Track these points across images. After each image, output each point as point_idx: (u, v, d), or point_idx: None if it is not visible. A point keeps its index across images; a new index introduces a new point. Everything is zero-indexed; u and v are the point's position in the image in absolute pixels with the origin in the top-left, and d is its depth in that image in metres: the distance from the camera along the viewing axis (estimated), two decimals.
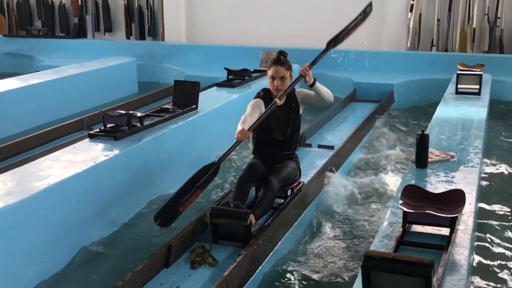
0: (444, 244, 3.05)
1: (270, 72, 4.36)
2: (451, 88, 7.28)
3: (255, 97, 4.46)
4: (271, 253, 3.92)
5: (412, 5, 10.28)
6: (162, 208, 3.91)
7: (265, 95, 4.43)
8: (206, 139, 5.93)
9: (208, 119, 6.02)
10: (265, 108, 4.33)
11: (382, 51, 10.43)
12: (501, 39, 9.93)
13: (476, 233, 4.15)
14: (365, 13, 5.02)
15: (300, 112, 4.50)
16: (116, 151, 4.64)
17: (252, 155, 4.55)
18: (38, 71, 9.45)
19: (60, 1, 12.89)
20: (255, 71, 7.90)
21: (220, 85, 7.37)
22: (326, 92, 4.50)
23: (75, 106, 8.04)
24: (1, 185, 3.88)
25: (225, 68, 7.67)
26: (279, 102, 4.29)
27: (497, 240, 4.29)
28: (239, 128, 4.13)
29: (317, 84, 4.43)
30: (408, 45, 10.38)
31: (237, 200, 4.03)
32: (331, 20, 11.16)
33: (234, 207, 3.94)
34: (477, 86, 6.95)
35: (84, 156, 4.49)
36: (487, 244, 4.21)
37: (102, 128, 5.08)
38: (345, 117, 7.84)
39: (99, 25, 12.69)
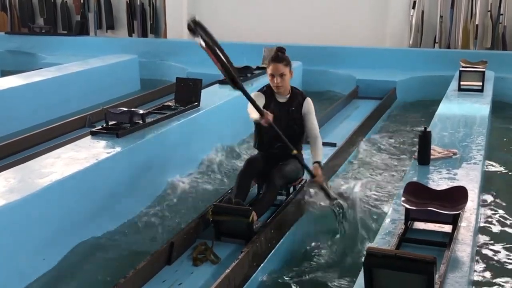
0: (447, 241, 3.04)
1: (269, 70, 4.35)
2: (453, 85, 7.26)
3: (258, 91, 4.46)
4: (273, 250, 3.92)
5: (414, 2, 10.26)
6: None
7: (267, 91, 4.43)
8: (208, 136, 5.92)
9: (210, 116, 6.01)
10: (266, 103, 4.33)
11: (385, 48, 10.41)
12: (504, 36, 9.90)
13: (479, 230, 4.14)
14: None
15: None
16: (118, 149, 4.64)
17: (257, 151, 4.55)
18: (41, 68, 9.46)
19: None
20: (258, 68, 7.89)
21: (222, 82, 7.35)
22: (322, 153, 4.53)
23: (77, 104, 8.05)
24: (4, 182, 3.88)
25: None
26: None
27: (499, 237, 4.28)
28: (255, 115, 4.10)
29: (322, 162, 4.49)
30: (411, 42, 10.36)
31: (238, 197, 4.03)
32: (334, 17, 11.21)
33: (235, 204, 3.94)
34: (480, 83, 6.93)
35: (86, 153, 4.49)
36: (489, 241, 4.20)
37: (104, 125, 5.08)
38: (347, 114, 7.83)
39: (101, 23, 12.69)
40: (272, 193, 4.17)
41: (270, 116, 4.04)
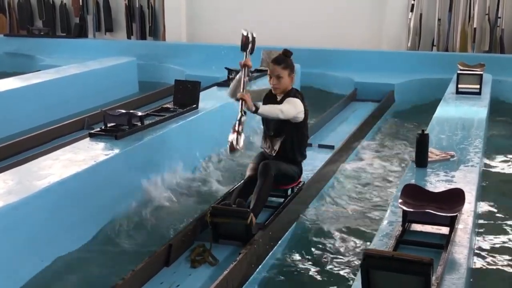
0: (444, 243, 3.05)
1: (268, 70, 4.40)
2: (451, 87, 7.28)
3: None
4: (271, 252, 3.93)
5: (412, 5, 10.29)
6: None
7: (270, 92, 4.46)
8: (207, 138, 5.93)
9: (208, 118, 6.02)
10: (263, 101, 4.41)
11: (383, 50, 10.43)
12: (501, 39, 9.93)
13: (476, 232, 4.15)
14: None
15: (296, 120, 4.34)
16: (116, 150, 4.65)
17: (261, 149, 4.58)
18: (39, 70, 9.47)
19: (61, 1, 12.91)
20: (256, 70, 7.90)
21: (220, 84, 7.37)
22: (271, 113, 4.21)
23: (75, 106, 8.05)
24: (2, 184, 3.89)
25: (226, 68, 7.67)
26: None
27: (496, 239, 4.29)
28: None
29: (261, 110, 4.13)
30: (409, 45, 10.39)
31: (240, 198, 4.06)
32: (332, 20, 11.23)
33: (237, 204, 3.95)
34: (478, 86, 6.95)
35: (84, 155, 4.50)
36: (486, 243, 4.21)
37: (103, 127, 5.09)
38: (345, 116, 7.85)
39: (100, 25, 12.70)
40: (267, 183, 4.12)
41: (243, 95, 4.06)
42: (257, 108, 4.08)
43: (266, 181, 4.13)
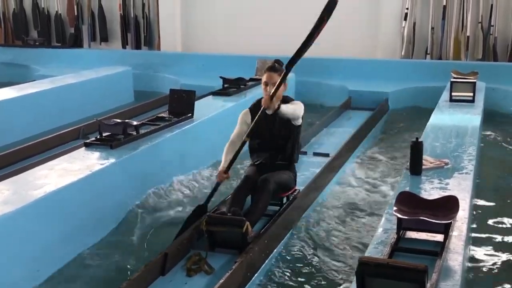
0: (438, 250, 3.07)
1: (263, 78, 4.40)
2: (445, 95, 7.33)
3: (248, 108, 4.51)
4: (267, 261, 3.94)
5: (406, 13, 10.34)
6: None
7: (256, 105, 4.45)
8: (202, 147, 5.95)
9: (203, 127, 6.04)
10: (251, 119, 4.36)
11: (377, 59, 10.48)
12: (494, 47, 9.99)
13: (470, 239, 4.17)
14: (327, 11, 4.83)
15: (297, 123, 4.45)
16: (112, 160, 4.66)
17: (250, 161, 4.58)
18: (34, 80, 9.47)
19: (56, 11, 12.92)
20: (251, 79, 7.94)
21: (215, 93, 7.40)
22: (291, 113, 4.33)
23: (71, 115, 8.05)
24: None
25: (221, 77, 7.71)
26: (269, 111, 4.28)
27: (490, 246, 4.31)
28: (219, 168, 4.34)
29: (281, 109, 4.24)
30: (403, 53, 10.44)
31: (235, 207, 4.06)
32: (326, 28, 11.22)
33: (232, 213, 3.96)
34: (471, 94, 6.99)
35: (80, 165, 4.50)
36: (481, 250, 4.23)
37: (98, 137, 5.10)
38: (340, 125, 7.87)
39: (95, 35, 12.71)
40: (265, 198, 4.17)
41: (221, 178, 4.33)
42: (278, 108, 4.22)
43: (265, 196, 4.18)
